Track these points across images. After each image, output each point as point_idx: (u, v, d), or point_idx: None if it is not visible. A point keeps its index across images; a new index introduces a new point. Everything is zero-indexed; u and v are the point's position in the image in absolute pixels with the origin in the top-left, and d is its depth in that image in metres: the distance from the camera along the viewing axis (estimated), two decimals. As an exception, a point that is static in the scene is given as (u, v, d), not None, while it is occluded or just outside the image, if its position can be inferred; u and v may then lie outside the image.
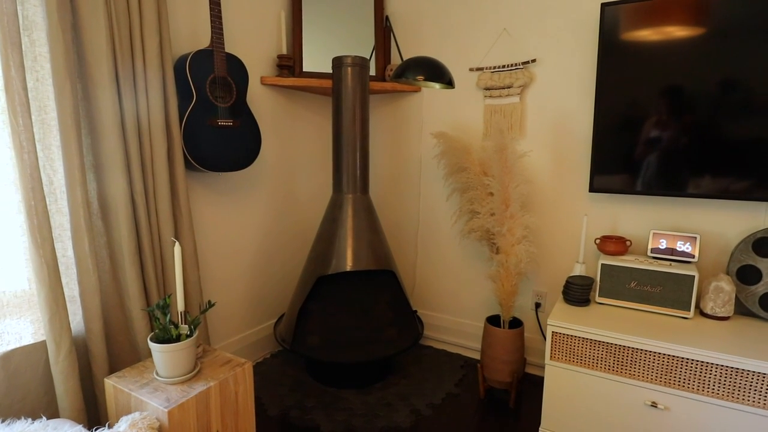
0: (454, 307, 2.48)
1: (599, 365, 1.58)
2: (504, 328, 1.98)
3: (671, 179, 1.74)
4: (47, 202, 1.33)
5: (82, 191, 1.37)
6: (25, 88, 1.21)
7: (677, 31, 1.66)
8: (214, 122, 1.77)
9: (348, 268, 1.95)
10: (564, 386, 1.65)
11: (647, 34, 1.71)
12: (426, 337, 2.59)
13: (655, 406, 1.49)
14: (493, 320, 2.06)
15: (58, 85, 1.30)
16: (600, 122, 1.84)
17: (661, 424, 1.49)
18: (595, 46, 1.93)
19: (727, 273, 1.70)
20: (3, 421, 1.10)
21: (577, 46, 1.97)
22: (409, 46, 2.44)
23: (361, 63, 1.97)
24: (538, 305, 2.20)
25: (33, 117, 1.31)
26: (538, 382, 2.15)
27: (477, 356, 2.41)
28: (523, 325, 2.00)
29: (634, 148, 1.79)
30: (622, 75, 1.77)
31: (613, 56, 1.78)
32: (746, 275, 1.65)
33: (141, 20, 1.51)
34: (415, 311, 2.35)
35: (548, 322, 1.65)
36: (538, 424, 1.82)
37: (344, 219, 2.02)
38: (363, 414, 1.85)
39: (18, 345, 1.33)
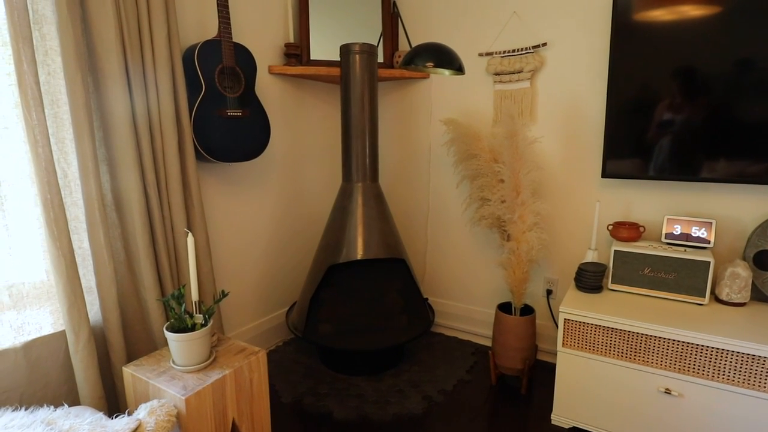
0: (465, 294, 2.48)
1: (612, 352, 1.58)
2: (515, 315, 1.98)
3: (686, 163, 1.71)
4: (62, 195, 1.35)
5: (96, 184, 1.39)
6: (37, 83, 1.22)
7: (692, 11, 1.62)
8: (224, 113, 1.78)
9: (359, 257, 1.96)
10: (576, 373, 1.65)
11: (661, 14, 1.67)
12: (437, 325, 2.60)
13: (669, 393, 1.49)
14: (505, 307, 2.06)
15: (69, 78, 1.30)
16: (613, 106, 1.80)
17: (675, 411, 1.49)
18: (607, 28, 1.88)
19: (744, 258, 1.68)
20: (26, 409, 1.13)
21: (588, 28, 1.92)
22: (417, 31, 2.41)
23: (369, 50, 1.95)
24: (549, 292, 2.19)
25: (46, 111, 1.33)
26: (549, 369, 2.15)
27: (488, 343, 2.41)
28: (535, 312, 2.00)
29: (648, 132, 1.75)
30: (636, 57, 1.73)
31: (627, 38, 1.74)
32: (763, 260, 1.62)
33: (149, 11, 1.51)
34: (426, 299, 2.36)
35: (560, 309, 1.64)
36: (550, 410, 1.82)
37: (354, 207, 2.03)
38: (375, 401, 1.88)
39: (38, 335, 1.37)
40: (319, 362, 2.18)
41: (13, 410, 1.12)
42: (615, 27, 1.75)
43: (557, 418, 1.72)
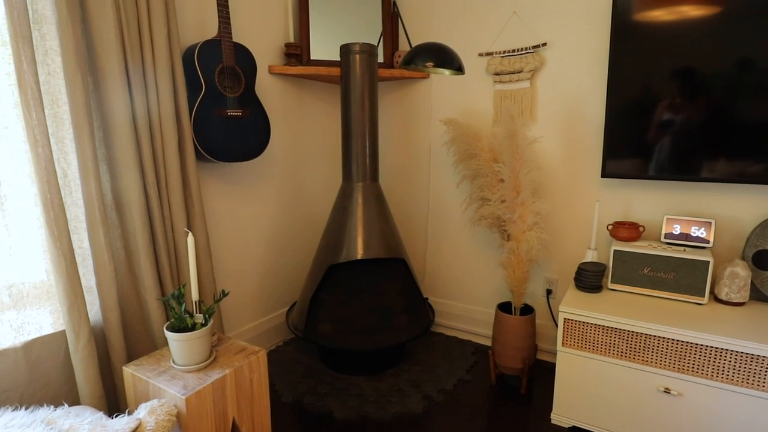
0: (465, 294, 2.48)
1: (612, 352, 1.58)
2: (515, 314, 1.98)
3: (685, 163, 1.71)
4: (62, 195, 1.35)
5: (96, 183, 1.39)
6: (37, 82, 1.22)
7: (692, 11, 1.62)
8: (224, 112, 1.78)
9: (359, 257, 1.96)
10: (576, 372, 1.65)
11: (661, 15, 1.67)
12: (437, 324, 2.60)
13: (669, 392, 1.49)
14: (505, 307, 2.06)
15: (69, 78, 1.30)
16: (612, 106, 1.81)
17: (675, 410, 1.49)
18: (607, 28, 1.89)
19: (743, 258, 1.68)
20: (27, 408, 1.13)
21: (588, 28, 1.92)
22: (417, 31, 2.41)
23: (369, 50, 1.95)
24: (549, 292, 2.19)
25: (46, 111, 1.33)
26: (549, 369, 2.15)
27: (488, 343, 2.42)
28: (535, 311, 2.00)
29: (648, 132, 1.76)
30: (636, 57, 1.74)
31: (627, 38, 1.74)
32: (762, 260, 1.63)
33: (149, 11, 1.51)
34: (426, 298, 2.36)
35: (560, 309, 1.65)
36: (550, 409, 1.82)
37: (354, 207, 2.03)
38: (375, 400, 1.88)
39: (38, 335, 1.37)
40: (320, 362, 2.18)
41: (13, 410, 1.12)
42: (615, 27, 1.75)
43: (557, 417, 1.72)
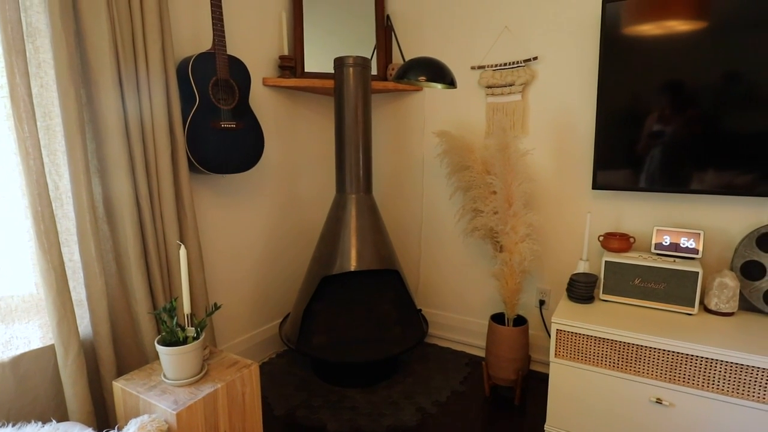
0: (459, 305, 2.49)
1: (604, 362, 1.58)
2: (508, 325, 1.98)
3: (675, 175, 1.74)
4: (53, 207, 1.34)
5: (87, 196, 1.38)
6: (29, 95, 1.22)
7: (679, 25, 1.66)
8: (217, 124, 1.78)
9: (352, 268, 1.96)
10: (569, 383, 1.65)
11: (649, 29, 1.71)
12: (431, 336, 2.59)
13: (660, 403, 1.49)
14: (498, 318, 2.06)
15: (62, 90, 1.30)
16: (602, 119, 1.84)
17: (666, 421, 1.50)
18: (596, 42, 1.92)
19: (732, 269, 1.70)
20: (14, 425, 1.11)
21: (578, 42, 1.96)
22: (410, 44, 2.44)
23: (362, 63, 1.97)
24: (542, 303, 2.20)
25: (38, 123, 1.32)
26: (543, 380, 2.15)
27: (482, 354, 2.41)
28: (528, 322, 2.01)
29: (638, 144, 1.79)
30: (625, 70, 1.77)
31: (615, 52, 1.77)
32: (750, 271, 1.65)
33: (143, 24, 1.51)
34: (420, 310, 2.36)
35: (552, 320, 1.65)
36: (544, 421, 1.82)
37: (348, 219, 2.03)
38: (369, 413, 1.86)
39: (27, 349, 1.34)
40: (313, 374, 2.16)
41: (0, 426, 1.10)
42: (604, 41, 1.79)
43: (551, 428, 1.72)
